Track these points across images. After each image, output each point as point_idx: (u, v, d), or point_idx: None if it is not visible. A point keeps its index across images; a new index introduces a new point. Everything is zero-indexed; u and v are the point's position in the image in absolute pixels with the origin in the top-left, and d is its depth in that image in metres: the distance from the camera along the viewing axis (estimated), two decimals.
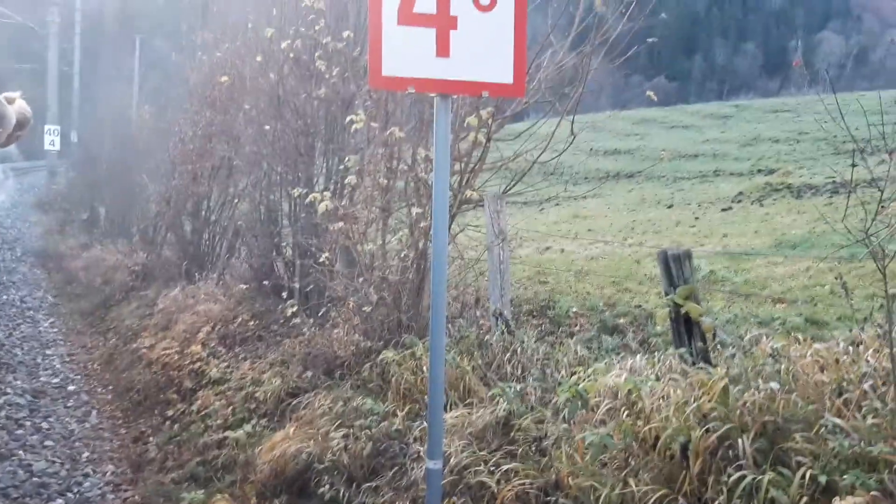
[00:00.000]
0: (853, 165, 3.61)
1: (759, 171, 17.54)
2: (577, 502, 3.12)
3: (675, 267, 4.02)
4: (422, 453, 3.88)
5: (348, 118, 5.96)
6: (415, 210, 5.67)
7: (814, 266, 7.76)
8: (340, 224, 5.99)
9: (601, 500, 3.02)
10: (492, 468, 3.54)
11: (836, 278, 4.05)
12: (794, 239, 9.35)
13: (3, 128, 4.11)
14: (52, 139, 23.58)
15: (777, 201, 12.93)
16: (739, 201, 13.51)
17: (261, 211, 8.60)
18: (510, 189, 6.02)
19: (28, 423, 6.54)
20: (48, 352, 9.11)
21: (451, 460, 3.71)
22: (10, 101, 4.21)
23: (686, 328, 4.01)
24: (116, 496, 5.28)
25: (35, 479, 5.42)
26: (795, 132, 22.88)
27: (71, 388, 7.75)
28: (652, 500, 2.92)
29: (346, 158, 6.25)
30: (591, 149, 23.73)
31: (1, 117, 4.02)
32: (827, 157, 17.42)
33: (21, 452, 5.87)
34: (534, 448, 3.59)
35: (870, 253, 2.95)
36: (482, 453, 3.74)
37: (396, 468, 4.02)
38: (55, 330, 10.32)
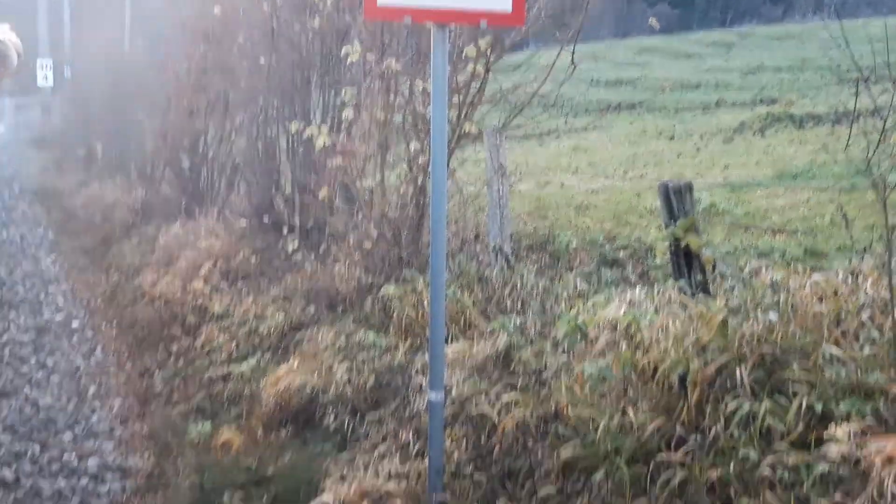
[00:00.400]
0: (856, 95, 3.56)
1: (762, 100, 17.32)
2: (576, 432, 3.17)
3: (675, 199, 4.01)
4: (424, 385, 3.94)
5: (344, 50, 5.85)
6: (413, 145, 5.62)
7: (814, 197, 7.74)
8: (338, 160, 5.94)
9: (600, 430, 3.08)
10: (492, 399, 3.60)
11: (836, 209, 4.04)
12: (796, 170, 9.30)
13: (6, 67, 4.05)
14: (45, 74, 23.24)
15: (779, 132, 12.81)
16: (741, 132, 13.38)
17: (258, 146, 8.53)
18: (510, 122, 5.95)
19: (33, 360, 6.62)
20: (50, 289, 9.16)
21: (453, 392, 3.77)
22: None
23: (686, 260, 4.02)
24: (124, 429, 5.38)
25: (42, 414, 5.52)
26: (799, 60, 22.51)
27: (75, 324, 7.82)
28: (650, 429, 2.97)
29: (343, 92, 6.17)
30: (592, 79, 23.38)
31: (3, 57, 3.96)
32: (830, 86, 17.18)
33: (27, 389, 5.96)
34: (533, 379, 3.64)
35: (871, 183, 2.93)
36: (483, 385, 3.79)
37: (399, 400, 4.09)
38: (57, 267, 10.36)
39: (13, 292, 8.75)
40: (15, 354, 6.70)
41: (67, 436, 5.21)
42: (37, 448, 4.99)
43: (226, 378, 5.53)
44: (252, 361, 5.46)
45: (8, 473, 4.58)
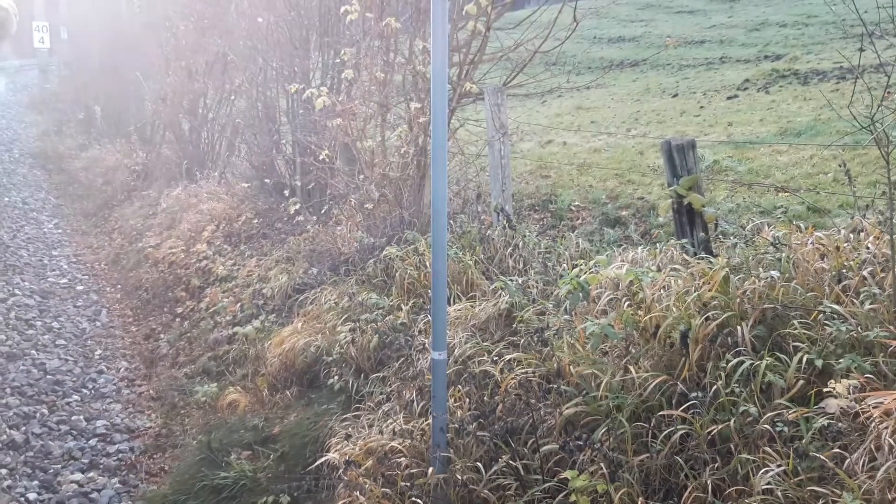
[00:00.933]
0: (861, 50, 3.52)
1: (766, 56, 17.11)
2: (578, 389, 3.20)
3: (678, 157, 3.99)
4: (427, 345, 3.97)
5: (342, 8, 5.78)
6: (413, 105, 5.58)
7: (818, 154, 7.69)
8: (339, 120, 5.91)
9: (602, 387, 3.11)
10: (495, 358, 3.63)
11: (839, 166, 4.03)
12: (799, 126, 9.22)
13: (6, 31, 4.01)
14: (41, 36, 22.97)
15: (783, 88, 12.68)
16: (745, 89, 13.24)
17: (258, 108, 8.48)
18: (511, 81, 5.90)
19: (39, 324, 6.67)
20: (54, 252, 9.19)
21: (456, 351, 3.80)
22: None
23: (688, 219, 4.01)
24: (131, 391, 5.44)
25: (49, 376, 5.57)
26: (804, 16, 22.19)
27: (79, 287, 7.86)
28: (651, 386, 3.00)
29: (342, 52, 6.11)
30: (595, 37, 23.10)
31: (6, 17, 3.91)
32: (835, 42, 16.96)
33: (34, 352, 6.01)
34: (536, 339, 3.66)
35: (874, 139, 2.91)
36: (485, 344, 3.82)
37: (402, 359, 4.12)
38: (59, 231, 10.38)
39: (17, 256, 8.77)
40: (21, 318, 6.75)
41: (75, 398, 5.28)
42: (45, 410, 5.05)
43: (231, 340, 5.58)
44: (256, 323, 5.49)
45: (17, 435, 4.65)
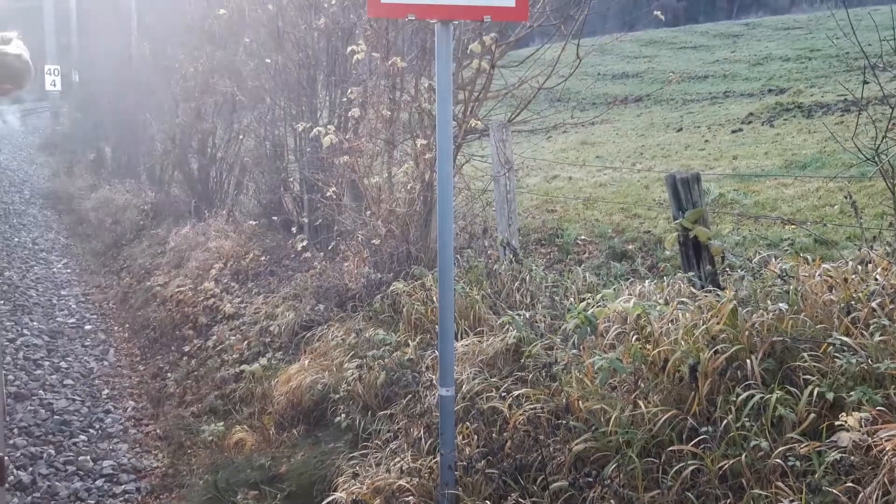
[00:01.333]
0: (864, 83, 3.54)
1: (770, 90, 17.22)
2: (587, 424, 3.18)
3: (683, 191, 4.00)
4: (434, 381, 3.94)
5: (349, 49, 5.86)
6: (419, 141, 5.63)
7: (824, 186, 7.70)
8: (346, 158, 5.96)
9: (611, 422, 3.08)
10: (503, 394, 3.61)
11: (845, 198, 4.03)
12: (805, 159, 9.24)
13: (22, 84, 4.07)
14: (52, 79, 23.32)
15: (787, 121, 12.74)
16: (750, 122, 13.31)
17: (266, 146, 8.56)
18: (515, 117, 5.95)
19: (47, 364, 6.67)
20: (63, 292, 9.22)
21: (463, 387, 3.77)
22: (7, 42, 4.15)
23: (695, 252, 4.01)
24: (138, 430, 5.42)
25: (56, 416, 5.56)
26: (807, 50, 22.38)
27: (87, 327, 7.87)
28: (661, 421, 2.97)
29: (349, 90, 6.18)
30: (598, 73, 23.32)
31: (21, 75, 3.98)
32: (839, 74, 17.07)
33: (41, 392, 6.00)
34: (544, 373, 3.64)
35: (879, 171, 2.92)
36: (493, 380, 3.80)
37: (410, 396, 4.10)
38: (69, 271, 10.42)
39: (26, 296, 8.81)
40: (29, 358, 6.75)
41: (82, 438, 5.25)
42: (52, 450, 5.03)
43: (238, 378, 5.56)
44: (263, 361, 5.48)
45: (24, 476, 4.62)
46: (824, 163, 8.89)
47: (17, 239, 12.03)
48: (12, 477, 4.57)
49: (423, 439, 3.64)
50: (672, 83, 20.03)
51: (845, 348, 2.90)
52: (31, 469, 4.74)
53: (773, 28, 29.26)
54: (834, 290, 3.31)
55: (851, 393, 2.70)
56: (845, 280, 3.32)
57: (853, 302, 3.17)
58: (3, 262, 10.21)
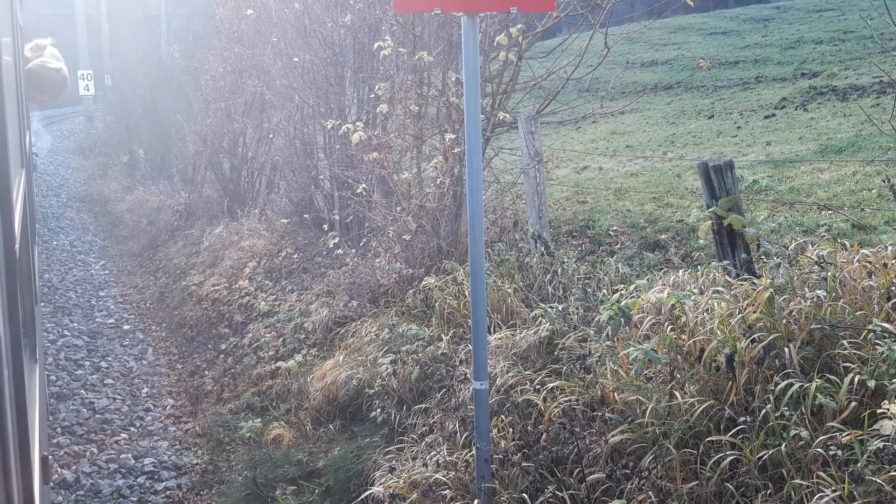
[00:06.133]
0: None
1: (803, 74, 16.92)
2: (623, 416, 3.16)
3: (716, 178, 3.95)
4: (468, 375, 3.95)
5: (376, 45, 5.87)
6: (448, 136, 5.62)
7: (860, 170, 7.55)
8: (375, 154, 5.97)
9: (647, 413, 3.06)
10: (537, 386, 3.60)
11: (883, 181, 3.95)
12: (840, 143, 9.07)
13: (60, 94, 4.16)
14: (86, 84, 23.69)
15: (822, 105, 12.51)
16: (783, 107, 13.09)
17: (296, 145, 8.62)
18: (544, 109, 5.92)
19: (87, 364, 6.79)
20: (101, 293, 9.38)
21: (497, 380, 3.77)
22: (41, 49, 4.23)
23: (729, 240, 3.96)
24: (177, 428, 5.50)
25: (98, 415, 5.66)
26: (840, 32, 21.93)
27: (126, 327, 8.00)
28: (698, 411, 2.95)
29: (377, 87, 6.20)
30: (627, 61, 23.08)
31: (61, 85, 4.06)
32: (874, 56, 16.71)
33: (83, 391, 6.11)
34: (578, 366, 3.63)
35: None
36: (527, 373, 3.79)
37: (444, 390, 4.11)
38: (106, 272, 10.60)
39: (66, 298, 8.98)
40: (70, 358, 6.88)
41: (123, 436, 5.35)
42: (94, 449, 5.12)
43: (274, 374, 5.62)
44: (298, 357, 5.53)
45: (68, 474, 4.72)
46: (861, 146, 8.72)
47: (55, 242, 12.25)
48: (56, 475, 4.67)
49: (458, 433, 3.65)
50: (702, 69, 19.76)
51: (886, 335, 2.85)
52: (74, 467, 4.83)
53: (805, 10, 28.74)
54: (873, 276, 3.25)
55: (894, 380, 2.65)
56: (885, 265, 3.26)
57: (894, 288, 3.11)
58: (43, 265, 10.40)
